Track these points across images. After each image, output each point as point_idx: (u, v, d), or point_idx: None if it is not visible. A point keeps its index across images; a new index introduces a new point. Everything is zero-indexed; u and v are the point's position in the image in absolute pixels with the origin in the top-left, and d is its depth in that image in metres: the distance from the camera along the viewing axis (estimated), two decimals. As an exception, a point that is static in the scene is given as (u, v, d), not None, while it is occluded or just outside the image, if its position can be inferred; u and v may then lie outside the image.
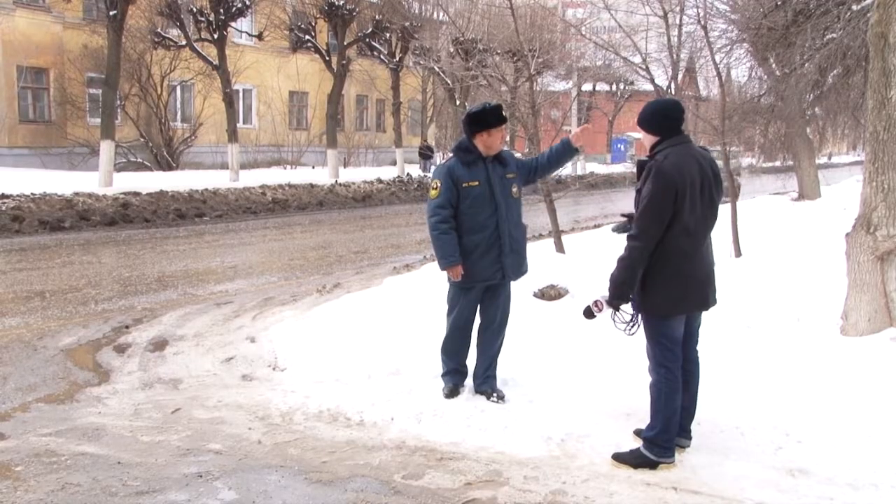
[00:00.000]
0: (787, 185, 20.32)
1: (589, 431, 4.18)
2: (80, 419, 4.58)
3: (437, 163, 25.30)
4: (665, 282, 3.73)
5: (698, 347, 4.04)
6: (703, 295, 3.86)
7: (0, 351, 6.01)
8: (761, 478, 3.70)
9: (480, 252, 4.50)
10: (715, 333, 5.60)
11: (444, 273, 4.59)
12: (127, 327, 6.89)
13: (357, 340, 5.72)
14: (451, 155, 4.62)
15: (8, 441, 4.22)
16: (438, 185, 4.47)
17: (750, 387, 4.58)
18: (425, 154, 30.34)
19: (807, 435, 4.00)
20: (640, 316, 3.90)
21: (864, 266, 5.28)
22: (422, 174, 26.46)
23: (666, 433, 3.82)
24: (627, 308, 3.90)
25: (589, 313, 3.98)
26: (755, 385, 4.60)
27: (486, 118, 4.48)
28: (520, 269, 4.70)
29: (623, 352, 5.21)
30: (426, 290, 6.73)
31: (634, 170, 3.97)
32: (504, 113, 4.52)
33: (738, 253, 8.88)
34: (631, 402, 4.42)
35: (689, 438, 4.01)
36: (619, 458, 3.90)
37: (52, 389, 5.19)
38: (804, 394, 4.42)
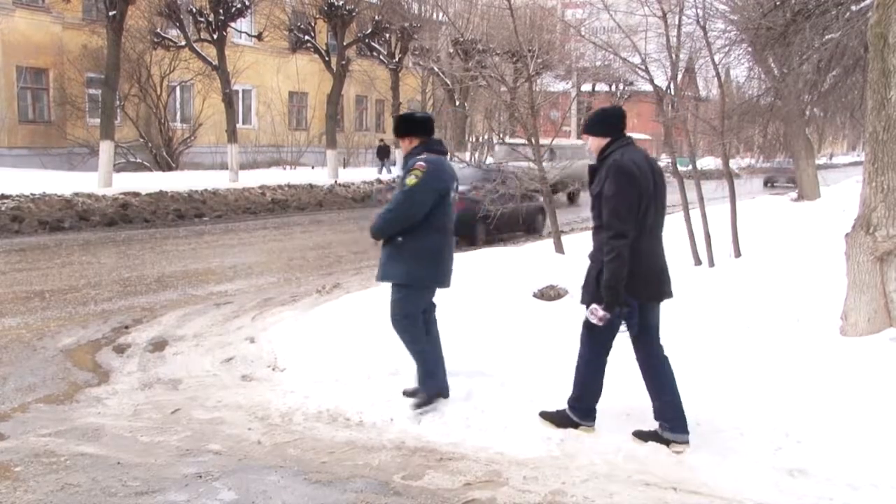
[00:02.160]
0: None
1: (588, 431, 4.18)
2: (79, 419, 4.58)
3: (396, 163, 24.97)
4: (629, 276, 3.88)
5: (668, 343, 4.19)
6: (662, 287, 4.09)
7: (0, 351, 6.00)
8: (761, 478, 3.71)
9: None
10: (715, 333, 5.61)
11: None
12: (126, 328, 6.89)
13: (356, 341, 5.72)
14: (425, 155, 4.58)
15: (7, 441, 4.22)
16: None
17: (750, 387, 4.58)
18: (383, 154, 27.85)
19: (806, 435, 4.00)
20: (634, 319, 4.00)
21: (863, 266, 5.28)
22: (381, 178, 23.73)
23: (584, 400, 4.17)
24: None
25: (588, 326, 4.10)
26: (755, 385, 4.60)
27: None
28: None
29: (623, 352, 5.21)
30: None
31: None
32: (398, 127, 4.66)
33: (738, 253, 8.88)
34: (631, 402, 4.42)
35: (687, 433, 4.06)
36: (546, 415, 4.25)
37: (51, 390, 5.19)
38: (804, 394, 4.42)
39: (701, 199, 8.71)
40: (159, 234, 13.65)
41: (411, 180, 4.38)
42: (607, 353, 4.18)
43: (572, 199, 22.63)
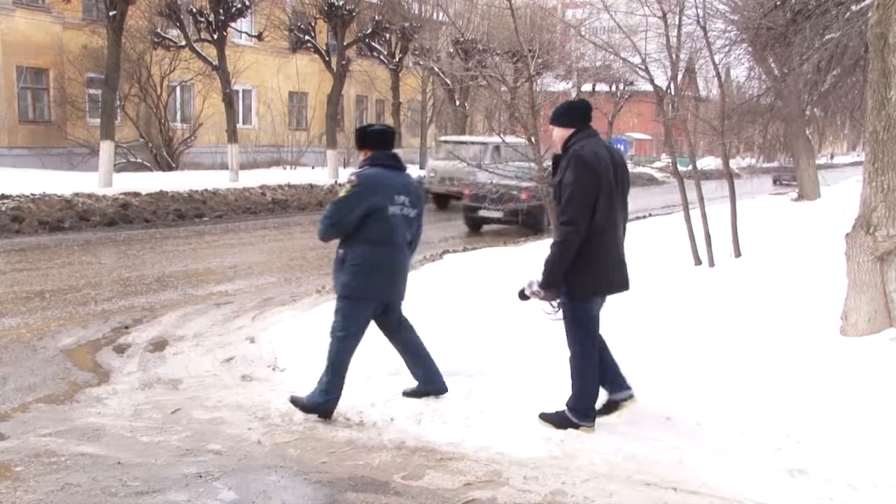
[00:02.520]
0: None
1: (588, 431, 4.18)
2: (79, 419, 4.58)
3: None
4: (590, 267, 4.02)
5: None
6: (622, 278, 4.22)
7: (0, 351, 6.01)
8: (761, 478, 3.71)
9: None
10: (715, 333, 5.61)
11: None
12: (127, 328, 6.90)
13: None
14: (364, 168, 4.65)
15: (8, 441, 4.22)
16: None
17: (750, 387, 4.58)
18: None
19: (806, 435, 4.00)
20: (563, 304, 4.16)
21: (863, 266, 5.28)
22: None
23: (584, 400, 4.19)
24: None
25: (522, 295, 4.22)
26: (755, 385, 4.60)
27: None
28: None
29: (622, 352, 5.21)
30: (425, 290, 6.73)
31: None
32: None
33: (738, 253, 8.88)
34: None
35: (629, 388, 4.32)
36: (545, 417, 4.25)
37: (51, 390, 5.19)
38: (804, 394, 4.42)
39: (701, 199, 8.71)
40: (159, 234, 13.65)
41: (340, 192, 4.46)
42: (596, 347, 4.24)
43: None
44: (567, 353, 4.26)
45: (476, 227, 15.72)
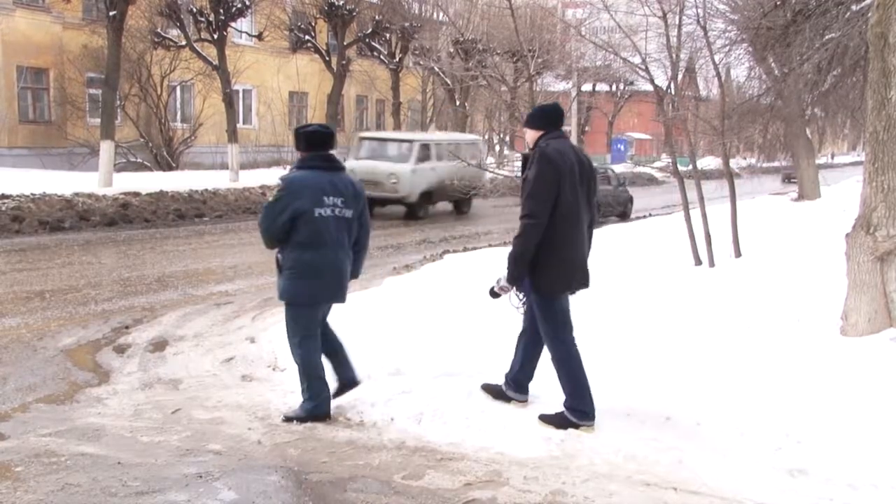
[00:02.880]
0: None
1: (588, 431, 4.18)
2: (79, 419, 4.58)
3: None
4: (554, 265, 4.15)
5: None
6: (584, 275, 4.34)
7: (0, 351, 6.01)
8: (761, 478, 3.71)
9: None
10: (715, 333, 5.61)
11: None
12: (127, 328, 6.90)
13: (356, 341, 5.72)
14: (292, 171, 4.67)
15: (8, 441, 4.22)
16: None
17: (750, 387, 4.58)
18: None
19: (806, 435, 4.00)
20: (531, 296, 4.31)
21: (863, 266, 5.28)
22: None
23: (580, 399, 4.24)
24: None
25: (493, 293, 4.36)
26: (755, 385, 4.60)
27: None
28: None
29: (622, 352, 5.21)
30: (426, 290, 6.74)
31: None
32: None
33: (738, 253, 8.88)
34: (631, 402, 4.43)
35: (526, 394, 4.51)
36: (545, 418, 4.28)
37: (51, 390, 5.19)
38: (804, 394, 4.42)
39: (701, 199, 8.71)
40: (159, 234, 13.65)
41: (270, 197, 4.49)
42: (573, 337, 4.31)
43: (461, 208, 18.27)
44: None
45: None
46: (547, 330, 4.28)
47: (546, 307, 4.26)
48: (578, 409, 4.23)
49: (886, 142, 5.14)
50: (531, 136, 4.34)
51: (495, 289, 4.32)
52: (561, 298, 4.29)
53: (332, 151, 4.71)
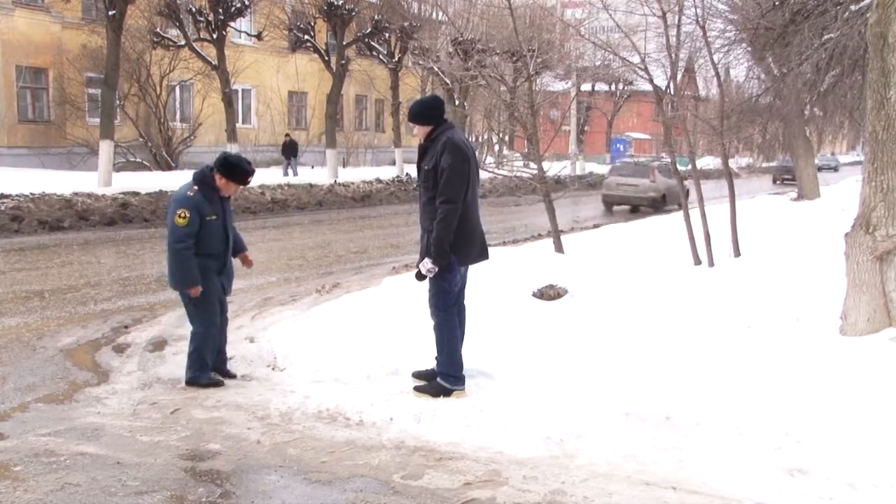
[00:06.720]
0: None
1: (588, 431, 4.18)
2: (79, 419, 4.58)
3: (300, 161, 24.75)
4: (468, 240, 4.68)
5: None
6: (483, 248, 4.89)
7: (0, 351, 6.01)
8: (760, 478, 3.71)
9: (211, 272, 5.19)
10: (715, 333, 5.61)
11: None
12: (126, 327, 6.89)
13: (356, 340, 5.72)
14: (196, 187, 5.08)
15: (7, 441, 4.22)
16: (187, 215, 4.99)
17: (749, 387, 4.58)
18: (290, 152, 24.68)
19: (806, 435, 4.00)
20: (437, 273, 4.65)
21: (863, 266, 5.28)
22: (288, 177, 22.11)
23: (453, 366, 4.71)
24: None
25: (419, 276, 4.74)
26: (754, 385, 4.60)
27: (235, 173, 5.13)
28: (232, 284, 5.53)
29: (622, 352, 5.21)
30: (425, 290, 6.71)
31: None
32: (249, 180, 5.23)
33: (738, 253, 8.88)
34: (630, 402, 4.42)
35: (463, 384, 4.77)
36: (420, 389, 4.71)
37: (51, 389, 5.18)
38: (803, 394, 4.42)
39: (700, 199, 8.72)
40: (159, 233, 13.63)
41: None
42: (455, 312, 4.82)
43: None
44: (431, 319, 4.81)
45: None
46: (438, 303, 4.75)
47: (443, 279, 4.67)
48: (452, 374, 4.66)
49: (885, 141, 5.14)
50: (422, 131, 4.73)
51: (423, 271, 4.67)
52: (459, 272, 4.76)
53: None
